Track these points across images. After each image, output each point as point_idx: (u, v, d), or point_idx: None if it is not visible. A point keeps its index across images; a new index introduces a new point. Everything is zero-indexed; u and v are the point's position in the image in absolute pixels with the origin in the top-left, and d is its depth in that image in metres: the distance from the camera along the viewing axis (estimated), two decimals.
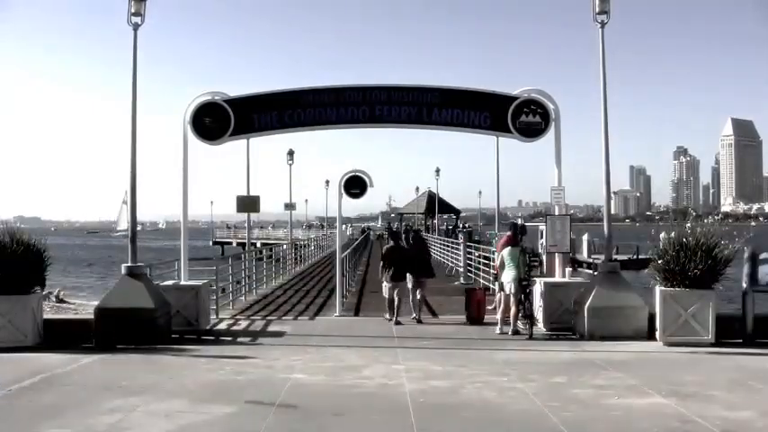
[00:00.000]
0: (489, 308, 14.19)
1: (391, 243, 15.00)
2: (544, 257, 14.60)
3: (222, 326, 13.92)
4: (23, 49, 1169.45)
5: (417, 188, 72.94)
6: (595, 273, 13.57)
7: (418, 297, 14.24)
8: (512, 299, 12.58)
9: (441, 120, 14.38)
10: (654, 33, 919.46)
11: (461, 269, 23.33)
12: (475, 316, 13.83)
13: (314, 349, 11.28)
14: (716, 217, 16.71)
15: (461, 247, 23.50)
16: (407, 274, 14.30)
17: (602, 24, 12.71)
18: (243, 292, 18.60)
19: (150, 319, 11.75)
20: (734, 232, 11.82)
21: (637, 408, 7.60)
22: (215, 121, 14.10)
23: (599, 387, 8.53)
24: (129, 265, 12.50)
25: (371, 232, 73.70)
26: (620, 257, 29.20)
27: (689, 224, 11.82)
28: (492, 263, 16.80)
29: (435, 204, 55.16)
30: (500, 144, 24.82)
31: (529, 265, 12.94)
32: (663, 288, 11.41)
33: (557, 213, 13.72)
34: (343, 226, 55.69)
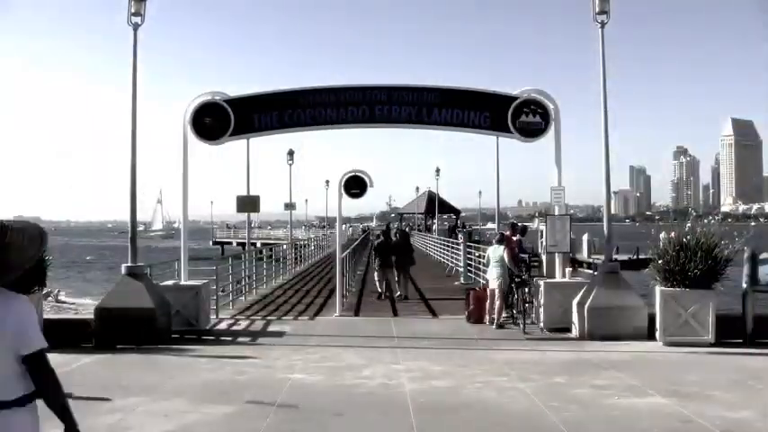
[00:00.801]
0: None
1: (381, 238, 18.93)
2: (544, 257, 14.60)
3: (222, 326, 13.93)
4: (23, 49, 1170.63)
5: (417, 188, 73.15)
6: (595, 273, 13.56)
7: (403, 279, 18.01)
8: (497, 293, 13.22)
9: (441, 120, 14.38)
10: (654, 33, 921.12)
11: (461, 269, 23.36)
12: (475, 316, 13.84)
13: (314, 349, 11.29)
14: (716, 217, 16.68)
15: (461, 247, 23.53)
16: (393, 261, 17.79)
17: (602, 24, 12.72)
18: (243, 291, 18.61)
19: (150, 318, 11.76)
20: (734, 232, 11.83)
21: (637, 408, 7.60)
22: (215, 120, 14.10)
23: (599, 387, 8.53)
24: (129, 265, 12.51)
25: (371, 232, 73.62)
26: (620, 257, 29.19)
27: (689, 224, 11.82)
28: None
29: (435, 204, 55.17)
30: (500, 144, 24.93)
31: (529, 265, 13.04)
32: (663, 288, 11.40)
33: (557, 213, 13.73)
34: (343, 226, 55.64)
